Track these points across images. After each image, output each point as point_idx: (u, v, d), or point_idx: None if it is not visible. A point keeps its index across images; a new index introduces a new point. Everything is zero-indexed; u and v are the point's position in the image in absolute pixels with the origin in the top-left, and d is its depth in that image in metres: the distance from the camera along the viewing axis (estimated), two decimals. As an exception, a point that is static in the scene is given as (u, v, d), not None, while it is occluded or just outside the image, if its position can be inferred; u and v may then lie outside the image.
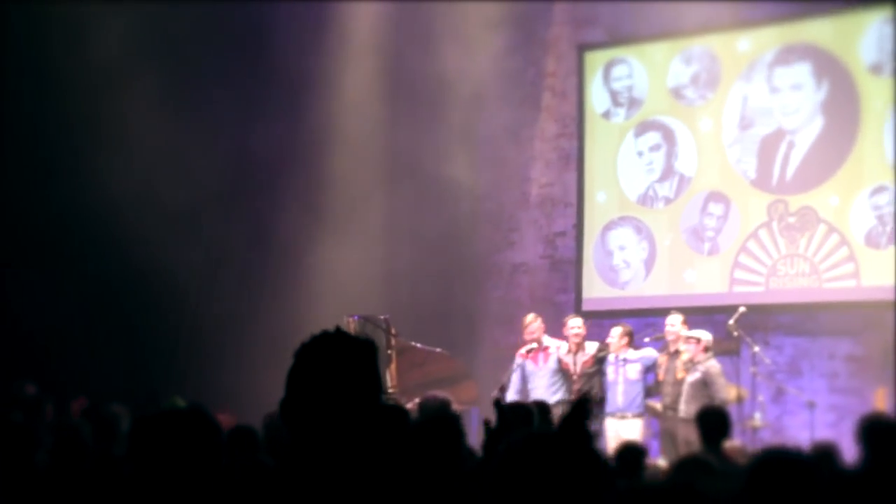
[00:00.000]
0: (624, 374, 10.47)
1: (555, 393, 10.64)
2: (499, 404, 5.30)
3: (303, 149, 13.45)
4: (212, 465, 2.83)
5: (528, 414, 5.99)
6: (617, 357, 10.57)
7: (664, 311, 11.19)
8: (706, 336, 10.15)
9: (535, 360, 10.95)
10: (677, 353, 10.19)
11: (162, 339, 12.97)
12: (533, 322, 10.98)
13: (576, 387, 10.53)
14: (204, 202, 12.72)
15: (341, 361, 2.23)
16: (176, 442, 2.81)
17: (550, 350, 10.92)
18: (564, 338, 10.92)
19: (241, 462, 4.61)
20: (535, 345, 10.91)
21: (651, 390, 10.55)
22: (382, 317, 11.57)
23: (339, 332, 2.28)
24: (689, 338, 10.15)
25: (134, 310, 12.71)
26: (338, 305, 11.55)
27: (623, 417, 10.34)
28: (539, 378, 10.82)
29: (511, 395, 10.58)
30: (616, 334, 10.65)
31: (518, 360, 10.98)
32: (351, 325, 11.17)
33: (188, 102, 12.54)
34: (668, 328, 10.41)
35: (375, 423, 2.21)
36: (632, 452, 6.25)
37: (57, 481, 4.87)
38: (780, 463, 3.22)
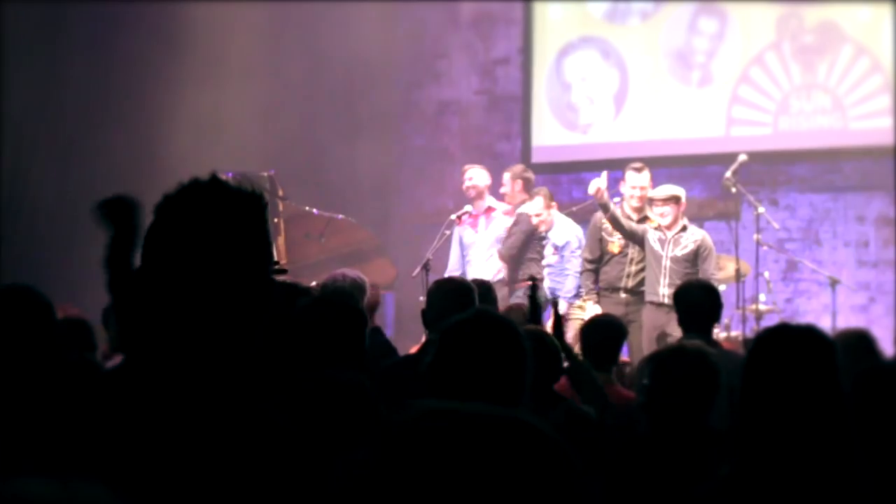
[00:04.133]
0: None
1: (500, 270, 10.61)
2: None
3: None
4: (41, 352, 3.21)
5: (468, 291, 6.05)
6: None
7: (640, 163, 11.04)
8: (681, 192, 9.90)
9: (473, 225, 10.86)
10: (645, 220, 9.94)
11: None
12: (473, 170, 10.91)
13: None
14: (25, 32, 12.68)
15: (218, 219, 2.17)
16: None
17: (495, 214, 10.81)
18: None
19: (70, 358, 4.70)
20: (470, 208, 10.78)
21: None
22: (265, 173, 11.53)
23: (216, 182, 2.21)
24: (664, 199, 9.71)
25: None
26: (206, 162, 11.19)
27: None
28: (477, 249, 10.76)
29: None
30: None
31: (453, 227, 10.85)
32: (224, 185, 11.01)
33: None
34: (629, 190, 10.05)
35: (261, 305, 2.18)
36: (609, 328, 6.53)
37: None
38: (787, 337, 3.26)
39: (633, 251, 9.90)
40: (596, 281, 10.04)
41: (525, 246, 10.39)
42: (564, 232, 10.46)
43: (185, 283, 2.16)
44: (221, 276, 2.16)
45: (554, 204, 10.50)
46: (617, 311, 9.52)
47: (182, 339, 2.15)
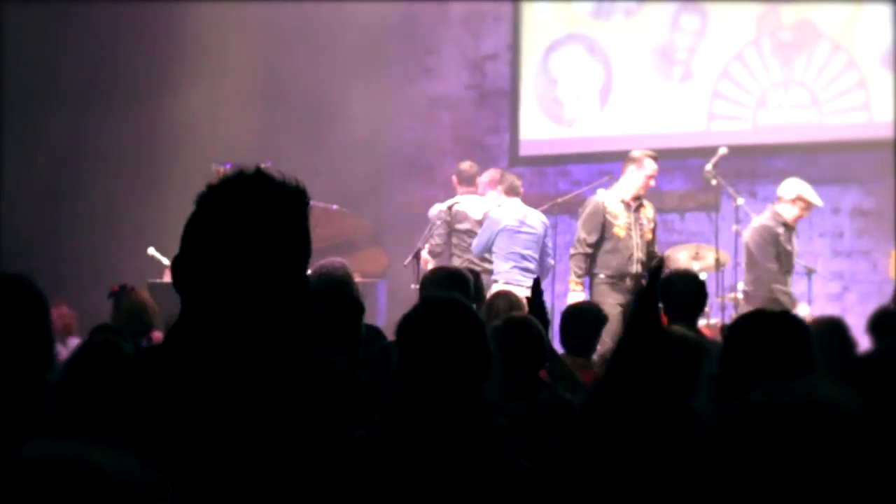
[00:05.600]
0: None
1: None
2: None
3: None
4: (36, 341, 3.09)
5: (461, 278, 6.06)
6: None
7: (624, 156, 10.79)
8: None
9: None
10: (641, 207, 9.77)
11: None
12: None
13: None
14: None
15: (262, 212, 2.12)
16: None
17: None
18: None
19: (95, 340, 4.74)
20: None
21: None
22: (262, 165, 11.14)
23: (261, 175, 2.14)
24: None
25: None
26: (201, 155, 11.47)
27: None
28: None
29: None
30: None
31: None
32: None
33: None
34: (644, 179, 9.73)
35: (299, 301, 2.14)
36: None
37: None
38: (761, 322, 3.37)
39: (636, 235, 9.62)
40: (589, 266, 9.50)
41: (445, 241, 10.28)
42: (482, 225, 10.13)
43: (227, 275, 2.10)
44: (263, 270, 2.10)
45: (515, 192, 10.06)
46: (622, 299, 9.36)
47: (220, 329, 2.11)
